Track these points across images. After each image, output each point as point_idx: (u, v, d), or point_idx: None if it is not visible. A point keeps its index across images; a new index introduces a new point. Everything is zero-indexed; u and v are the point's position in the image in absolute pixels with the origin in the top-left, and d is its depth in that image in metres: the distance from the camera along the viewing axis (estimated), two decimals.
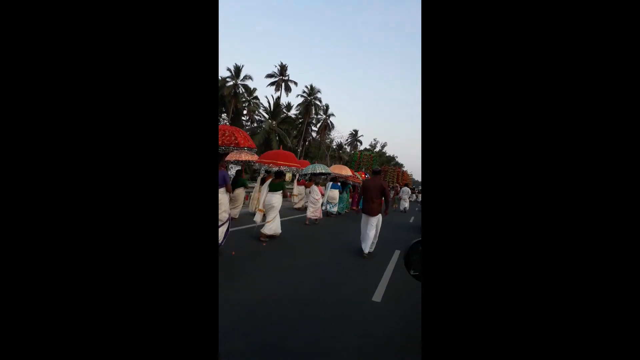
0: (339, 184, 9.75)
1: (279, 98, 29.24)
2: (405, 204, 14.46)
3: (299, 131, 33.50)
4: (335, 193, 9.29)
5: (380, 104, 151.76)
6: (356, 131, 50.72)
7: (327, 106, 37.83)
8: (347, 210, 10.58)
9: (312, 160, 34.63)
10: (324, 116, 37.87)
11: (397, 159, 56.27)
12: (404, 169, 47.42)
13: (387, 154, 49.46)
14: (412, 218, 11.35)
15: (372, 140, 53.79)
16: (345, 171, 10.74)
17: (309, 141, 37.43)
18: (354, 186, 11.35)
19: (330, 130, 38.28)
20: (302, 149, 33.72)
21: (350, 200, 12.22)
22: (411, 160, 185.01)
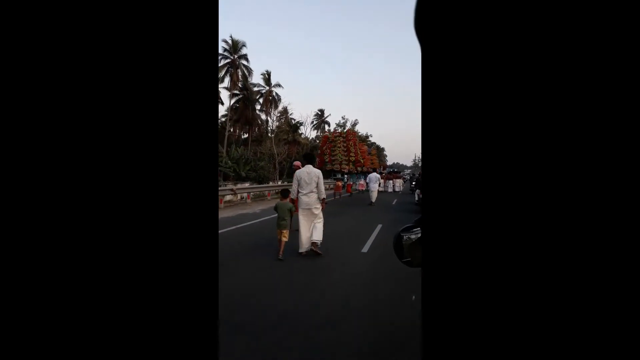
0: None
1: None
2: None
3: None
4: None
5: (345, 80, 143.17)
6: (322, 111, 41.72)
7: (268, 73, 28.33)
8: None
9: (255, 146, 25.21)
10: (266, 87, 28.40)
11: (370, 139, 47.24)
12: (385, 153, 38.60)
13: (359, 133, 40.39)
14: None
15: (340, 118, 44.51)
16: None
17: (257, 123, 27.94)
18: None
19: (276, 105, 28.86)
20: (233, 129, 24.27)
21: None
22: (393, 143, 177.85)
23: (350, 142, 20.70)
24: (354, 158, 19.88)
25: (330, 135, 21.87)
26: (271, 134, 27.21)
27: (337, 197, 13.74)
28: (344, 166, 18.86)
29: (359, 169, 20.26)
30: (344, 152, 19.86)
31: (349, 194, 15.67)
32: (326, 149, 20.75)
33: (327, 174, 21.82)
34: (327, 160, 20.22)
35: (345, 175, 18.23)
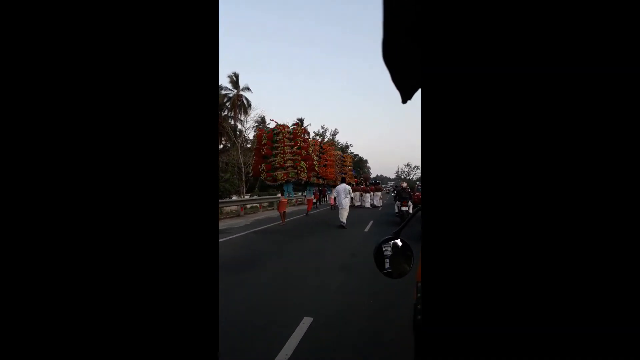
0: None
1: None
2: None
3: None
4: None
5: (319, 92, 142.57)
6: (301, 120, 39.40)
7: (236, 75, 25.74)
8: None
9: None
10: (233, 91, 25.78)
11: (351, 149, 45.07)
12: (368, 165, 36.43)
13: (339, 143, 38.09)
14: None
15: (320, 127, 42.24)
16: None
17: (225, 131, 25.09)
18: None
19: (246, 110, 26.16)
20: None
21: None
22: (376, 155, 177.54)
23: (297, 140, 13.39)
24: (305, 166, 13.16)
25: (266, 132, 14.18)
26: (248, 144, 24.35)
27: (281, 223, 9.14)
28: (297, 176, 13.01)
29: (315, 178, 16.11)
30: (288, 155, 13.12)
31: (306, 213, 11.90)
32: (263, 149, 13.50)
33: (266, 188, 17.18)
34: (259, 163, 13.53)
35: (310, 189, 14.46)
